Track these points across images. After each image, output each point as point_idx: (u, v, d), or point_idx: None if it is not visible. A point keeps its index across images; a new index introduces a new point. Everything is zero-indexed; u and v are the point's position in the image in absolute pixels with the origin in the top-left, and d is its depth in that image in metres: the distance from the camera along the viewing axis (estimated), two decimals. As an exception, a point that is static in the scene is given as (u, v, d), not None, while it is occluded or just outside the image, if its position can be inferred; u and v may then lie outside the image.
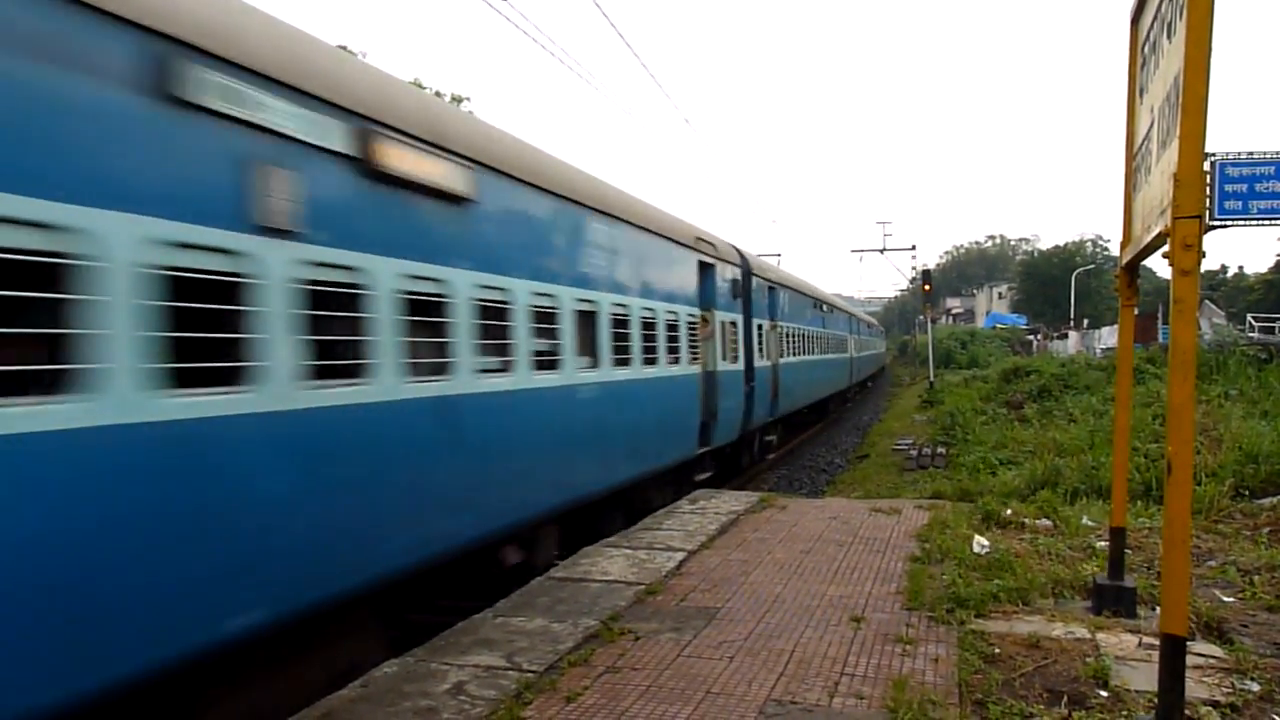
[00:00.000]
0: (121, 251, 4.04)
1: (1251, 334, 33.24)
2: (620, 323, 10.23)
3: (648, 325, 11.17)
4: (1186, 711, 4.17)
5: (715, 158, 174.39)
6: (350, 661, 5.81)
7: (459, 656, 5.56)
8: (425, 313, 6.33)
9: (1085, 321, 61.82)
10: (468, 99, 31.52)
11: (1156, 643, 4.23)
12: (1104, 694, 4.93)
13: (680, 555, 8.17)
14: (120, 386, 4.02)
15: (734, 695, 4.93)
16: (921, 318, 59.86)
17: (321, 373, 5.28)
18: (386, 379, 5.84)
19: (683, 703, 4.84)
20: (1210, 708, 4.75)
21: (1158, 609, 5.11)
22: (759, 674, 5.24)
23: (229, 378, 4.66)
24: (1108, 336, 45.64)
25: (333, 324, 5.45)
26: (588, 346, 9.38)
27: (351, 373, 5.57)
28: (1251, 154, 22.78)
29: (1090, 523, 9.39)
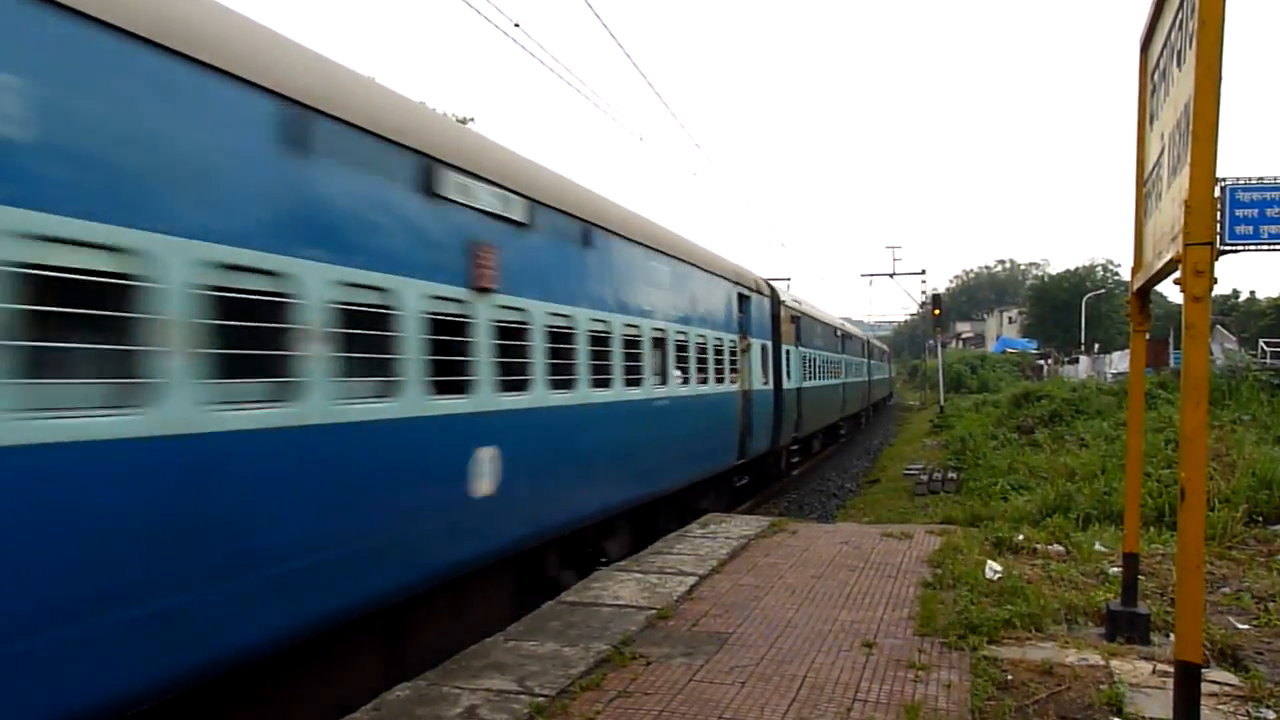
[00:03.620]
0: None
1: (1264, 359, 33.06)
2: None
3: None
4: (1202, 739, 4.14)
5: (726, 182, 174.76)
6: None
7: (471, 680, 5.56)
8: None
9: (1096, 346, 61.48)
10: (472, 119, 31.41)
11: (1171, 670, 4.21)
12: (1119, 721, 4.89)
13: (691, 580, 8.16)
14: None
15: (746, 720, 4.91)
16: (931, 342, 59.77)
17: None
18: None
19: (695, 728, 4.83)
20: (1227, 736, 4.72)
21: (1172, 635, 5.08)
22: (771, 699, 5.22)
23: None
24: (1118, 361, 45.37)
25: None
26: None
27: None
28: (1262, 179, 22.81)
29: (1103, 548, 9.33)
